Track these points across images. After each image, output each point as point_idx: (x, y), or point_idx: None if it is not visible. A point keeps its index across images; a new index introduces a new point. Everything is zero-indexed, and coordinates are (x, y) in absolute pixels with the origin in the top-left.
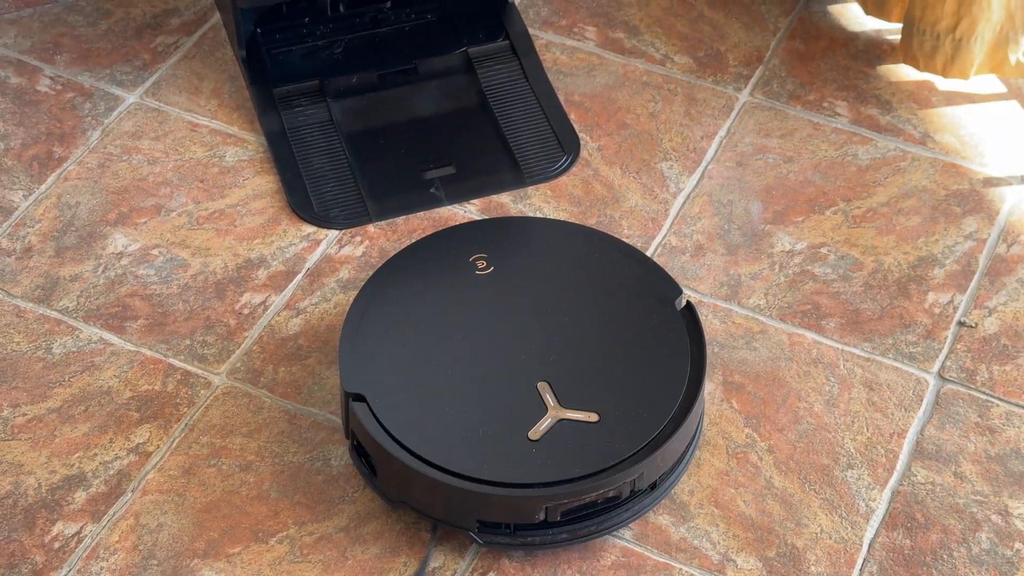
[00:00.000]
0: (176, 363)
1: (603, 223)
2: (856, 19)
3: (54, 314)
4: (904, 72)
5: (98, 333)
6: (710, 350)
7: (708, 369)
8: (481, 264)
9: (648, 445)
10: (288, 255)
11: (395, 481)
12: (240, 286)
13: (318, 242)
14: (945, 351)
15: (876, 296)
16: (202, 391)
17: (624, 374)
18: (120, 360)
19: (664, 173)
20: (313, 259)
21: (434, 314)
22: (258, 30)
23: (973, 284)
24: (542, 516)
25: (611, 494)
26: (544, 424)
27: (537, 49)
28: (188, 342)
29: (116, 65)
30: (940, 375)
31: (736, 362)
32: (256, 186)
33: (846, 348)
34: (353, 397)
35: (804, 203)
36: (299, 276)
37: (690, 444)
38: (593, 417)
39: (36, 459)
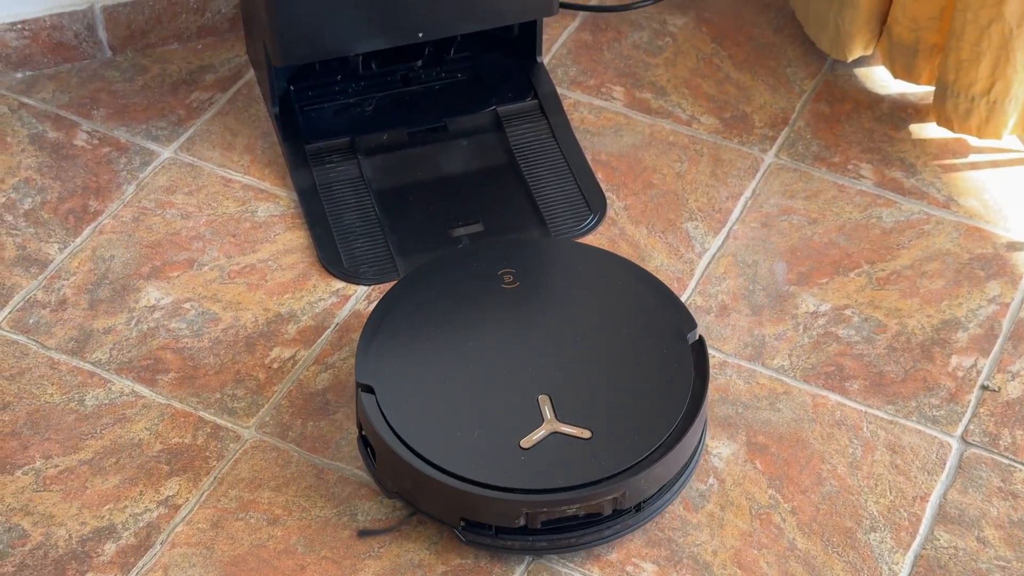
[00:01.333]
0: (206, 416)
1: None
2: (881, 82)
3: (87, 366)
4: (929, 135)
5: (130, 386)
6: (733, 410)
7: (731, 429)
8: (508, 278)
9: (634, 467)
10: (318, 310)
11: (390, 472)
12: (270, 340)
13: (347, 298)
14: (968, 415)
15: (900, 359)
16: (231, 444)
17: (624, 397)
18: (151, 413)
19: (689, 233)
20: (342, 315)
21: (453, 319)
22: (291, 87)
23: (996, 348)
24: (522, 522)
25: (592, 509)
26: (538, 434)
27: (565, 108)
28: (218, 395)
29: (152, 120)
30: (963, 439)
31: (760, 423)
32: (287, 241)
33: (869, 410)
34: (363, 388)
35: (828, 265)
36: (328, 331)
37: (681, 473)
38: (586, 433)
39: (67, 511)
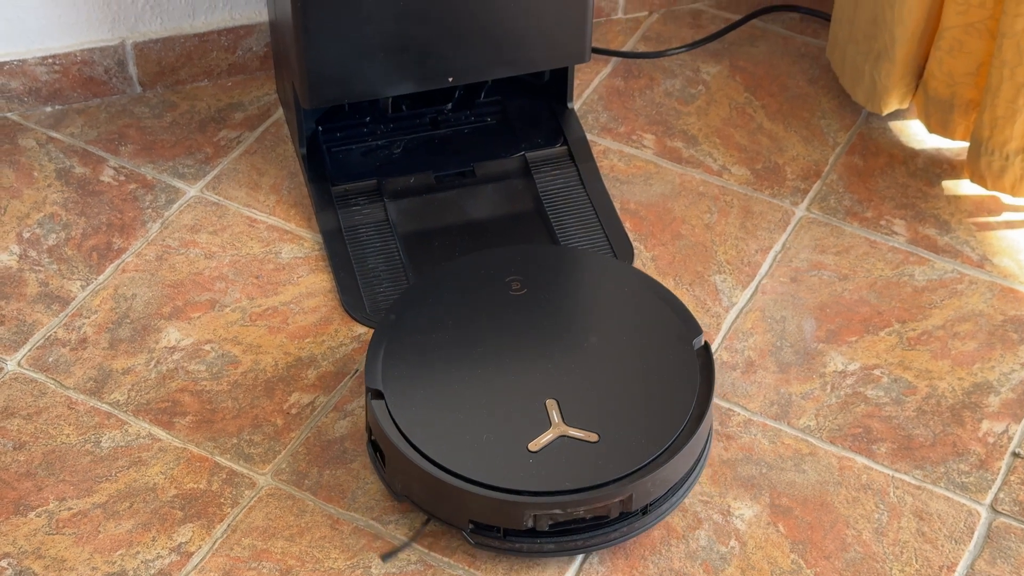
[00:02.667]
0: (222, 462)
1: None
2: (916, 136)
3: (105, 407)
4: (964, 192)
5: (147, 428)
6: (757, 470)
7: (754, 491)
8: (516, 285)
9: (640, 469)
10: (339, 355)
11: (399, 475)
12: (289, 385)
13: (368, 343)
14: (998, 482)
15: (929, 422)
16: (246, 491)
17: (631, 402)
18: (167, 456)
19: (717, 286)
20: (363, 361)
21: (462, 325)
22: (319, 128)
23: None
24: (530, 524)
25: (599, 512)
26: (546, 438)
27: (595, 155)
28: (235, 440)
29: (179, 158)
30: (992, 507)
31: (784, 484)
32: (310, 284)
33: (897, 475)
34: (373, 393)
35: (858, 323)
36: (348, 378)
37: (687, 476)
38: (593, 437)
39: (79, 555)
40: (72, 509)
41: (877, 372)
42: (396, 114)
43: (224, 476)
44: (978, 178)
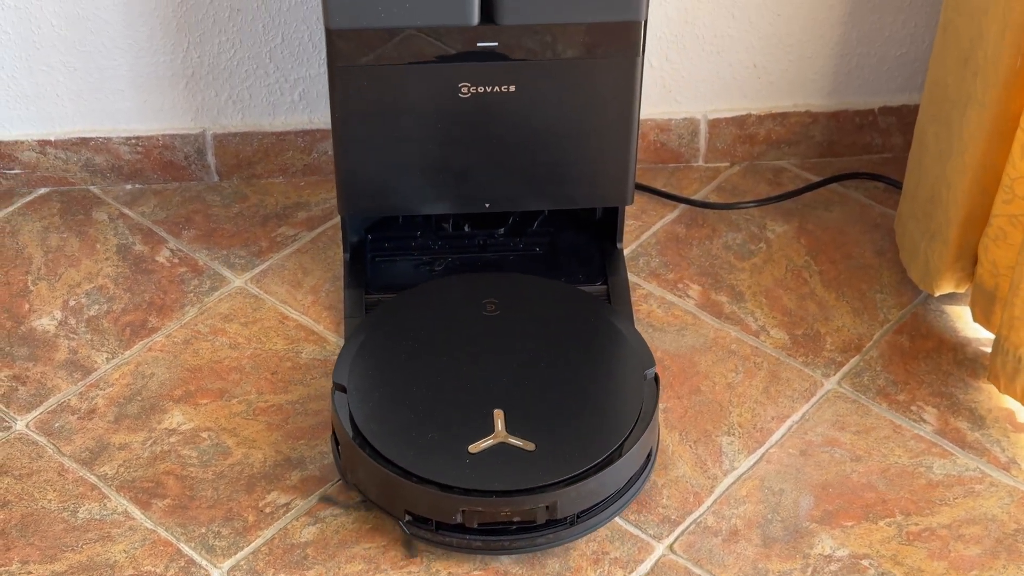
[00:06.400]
0: (185, 549)
1: (643, 487)
2: (972, 324)
3: (92, 478)
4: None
5: (124, 505)
6: None
7: None
8: (491, 307)
9: (567, 480)
10: (327, 461)
11: (350, 464)
12: (272, 483)
13: None
14: None
15: None
16: None
17: (573, 419)
18: (135, 536)
19: (723, 448)
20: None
21: (432, 336)
22: (369, 236)
23: None
24: (459, 519)
25: (527, 516)
26: (486, 443)
27: (636, 299)
28: (203, 530)
29: (234, 248)
30: None
31: None
32: (320, 387)
33: None
34: (337, 387)
35: (859, 507)
36: (329, 484)
37: (619, 495)
38: (531, 447)
39: None
40: (31, 573)
41: (865, 563)
42: (445, 232)
43: (182, 564)
44: (993, 377)
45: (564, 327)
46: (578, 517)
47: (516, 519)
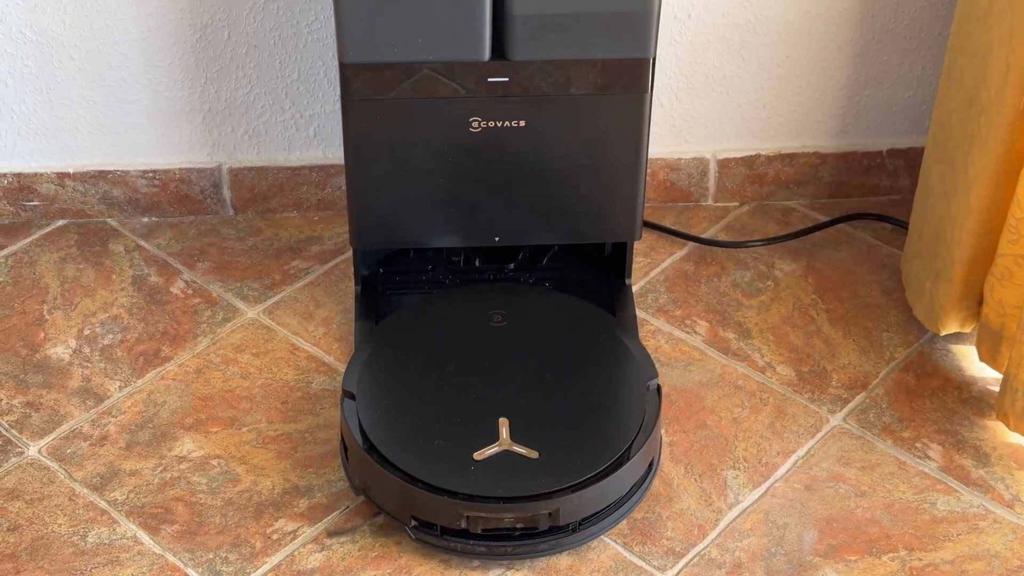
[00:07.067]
0: (192, 574)
1: (648, 519)
2: (977, 364)
3: (102, 503)
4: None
5: (133, 530)
6: None
7: None
8: (497, 318)
9: (569, 487)
10: (335, 490)
11: (358, 469)
12: (280, 511)
13: None
14: None
15: None
16: None
17: (577, 429)
18: (143, 561)
19: (728, 482)
20: (358, 500)
21: (440, 346)
22: (381, 270)
23: None
24: (463, 524)
25: (529, 523)
26: (491, 450)
27: (644, 334)
28: (211, 556)
29: (247, 280)
30: None
31: None
32: (329, 417)
33: None
34: (346, 395)
35: (863, 542)
36: (336, 513)
37: (621, 503)
38: (534, 454)
39: None
40: None
41: None
42: (456, 267)
43: None
44: (1003, 415)
45: (569, 338)
46: (580, 524)
47: (519, 525)
